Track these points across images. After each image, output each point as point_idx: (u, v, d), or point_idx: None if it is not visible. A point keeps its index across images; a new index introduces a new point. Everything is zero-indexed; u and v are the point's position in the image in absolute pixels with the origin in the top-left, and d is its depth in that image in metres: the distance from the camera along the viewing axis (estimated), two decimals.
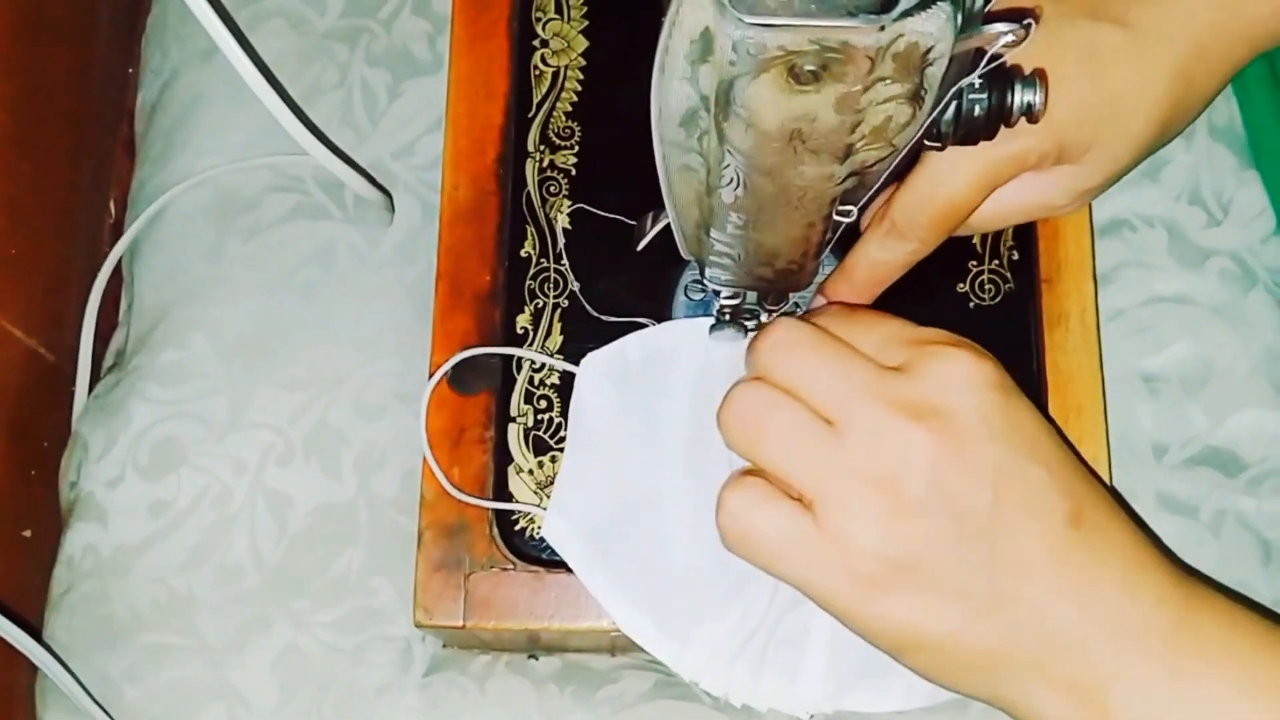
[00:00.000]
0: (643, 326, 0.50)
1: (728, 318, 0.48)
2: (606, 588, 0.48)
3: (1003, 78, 0.40)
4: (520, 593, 0.49)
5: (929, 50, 0.30)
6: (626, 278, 0.51)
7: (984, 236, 0.52)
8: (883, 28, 0.29)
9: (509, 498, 0.50)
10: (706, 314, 0.50)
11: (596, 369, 0.50)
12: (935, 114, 0.37)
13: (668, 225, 0.42)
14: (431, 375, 0.51)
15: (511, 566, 0.50)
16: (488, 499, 0.50)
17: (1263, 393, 0.55)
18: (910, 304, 0.51)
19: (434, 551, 0.50)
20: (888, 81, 0.31)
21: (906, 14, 0.29)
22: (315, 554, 0.55)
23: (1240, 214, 0.57)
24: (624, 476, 0.49)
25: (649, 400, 0.49)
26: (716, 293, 0.47)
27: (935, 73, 0.31)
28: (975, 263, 0.52)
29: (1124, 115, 0.44)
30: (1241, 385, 0.55)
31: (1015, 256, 0.52)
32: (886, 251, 0.45)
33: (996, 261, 0.52)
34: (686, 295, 0.51)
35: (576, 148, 0.53)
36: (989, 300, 0.52)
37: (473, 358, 0.51)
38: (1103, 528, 0.39)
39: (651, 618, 0.48)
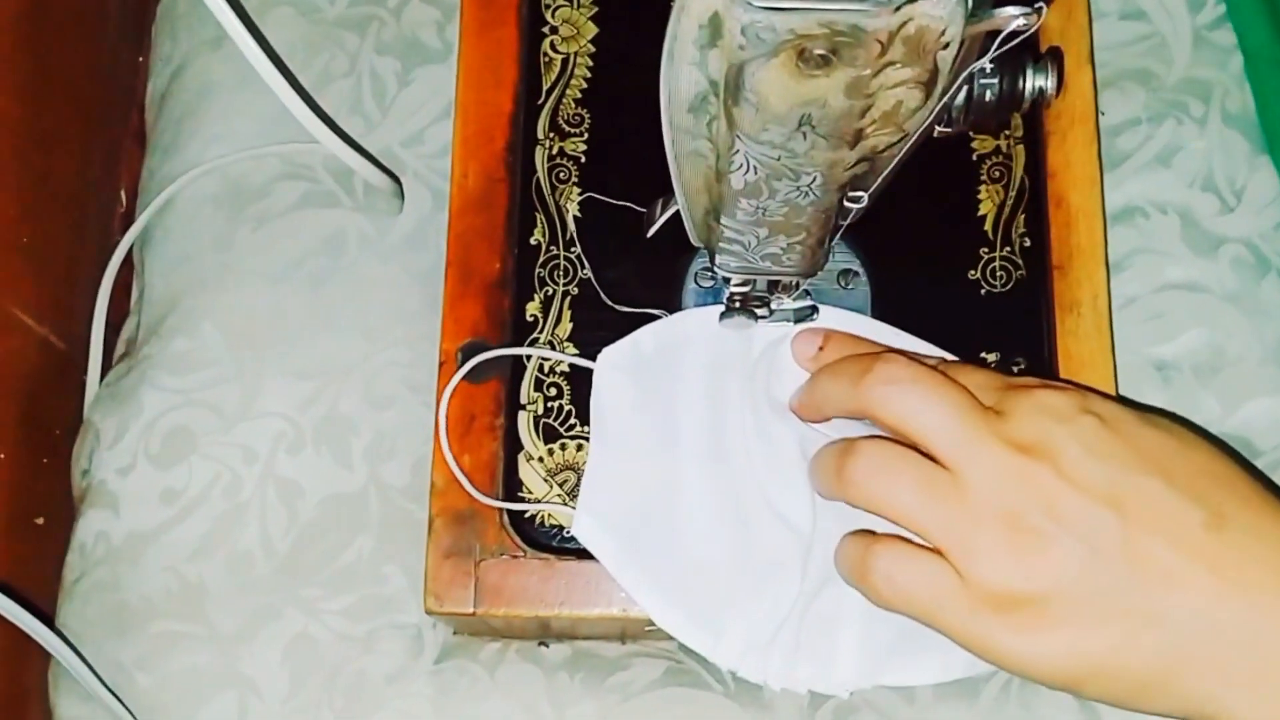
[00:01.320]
0: (655, 318, 0.50)
1: (738, 305, 0.48)
2: (639, 583, 0.48)
3: (1015, 62, 0.39)
4: (530, 580, 0.49)
5: (940, 34, 0.30)
6: (636, 265, 0.51)
7: (995, 223, 0.52)
8: (898, 8, 0.29)
9: (519, 485, 0.50)
10: (717, 301, 0.50)
11: (612, 364, 0.50)
12: (947, 99, 0.37)
13: (677, 212, 0.42)
14: (441, 363, 0.51)
15: (522, 554, 0.50)
16: (498, 486, 0.50)
17: (1276, 381, 0.55)
18: (922, 291, 0.51)
19: (444, 539, 0.50)
20: (898, 66, 0.31)
21: None
22: (326, 542, 0.55)
23: (1253, 201, 0.57)
24: (647, 469, 0.49)
25: (665, 391, 0.49)
26: (726, 280, 0.47)
27: (946, 57, 0.31)
28: (987, 250, 0.52)
29: None
30: (1255, 373, 0.55)
31: (1027, 243, 0.52)
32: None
33: (1008, 248, 0.52)
34: (696, 283, 0.51)
35: (586, 135, 0.53)
36: (1000, 287, 0.52)
37: (481, 343, 0.51)
38: (1250, 527, 0.38)
39: (685, 611, 0.48)
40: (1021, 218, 0.52)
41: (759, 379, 0.48)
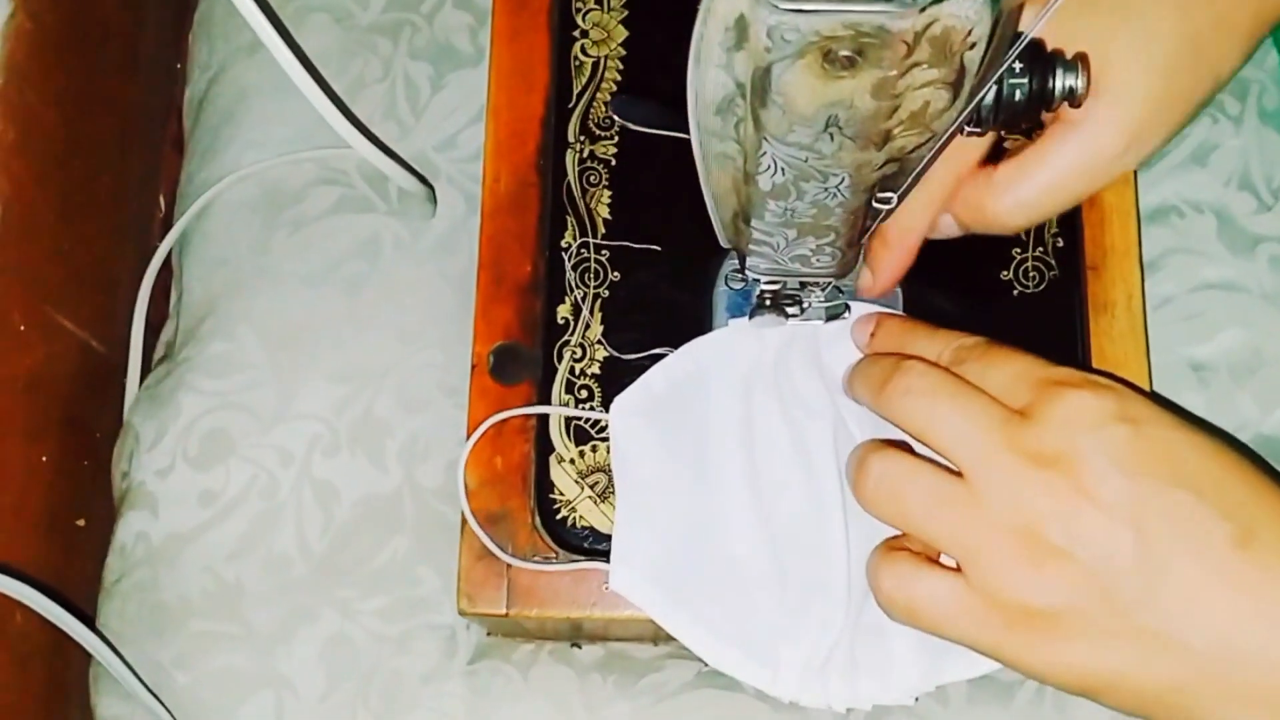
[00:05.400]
0: (660, 357, 0.50)
1: (769, 303, 0.48)
2: (687, 627, 0.48)
3: (1044, 62, 0.39)
4: (563, 581, 0.50)
5: (966, 34, 0.30)
6: (666, 268, 0.51)
7: None
8: (923, 9, 0.29)
9: (550, 486, 0.50)
10: (746, 302, 0.50)
11: (627, 410, 0.50)
12: (976, 99, 0.37)
13: (707, 216, 0.42)
14: (474, 365, 0.51)
15: (554, 555, 0.50)
16: (529, 488, 0.50)
17: None
18: (954, 292, 0.51)
19: (477, 540, 0.50)
20: (924, 66, 0.31)
21: None
22: (361, 543, 0.55)
23: None
24: (679, 510, 0.49)
25: (687, 426, 0.49)
26: (757, 280, 0.47)
27: (974, 57, 0.31)
28: (1019, 250, 0.51)
29: (1149, 34, 0.42)
30: None
31: (1060, 243, 0.52)
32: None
33: (1041, 248, 0.51)
34: (727, 284, 0.51)
35: (616, 138, 0.53)
36: (1033, 288, 0.51)
37: (513, 346, 0.51)
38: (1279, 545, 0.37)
39: (739, 648, 0.47)
40: (1054, 217, 0.52)
41: (784, 384, 0.48)
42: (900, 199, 0.39)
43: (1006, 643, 0.39)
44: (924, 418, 0.40)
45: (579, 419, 0.50)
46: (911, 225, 0.45)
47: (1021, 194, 0.44)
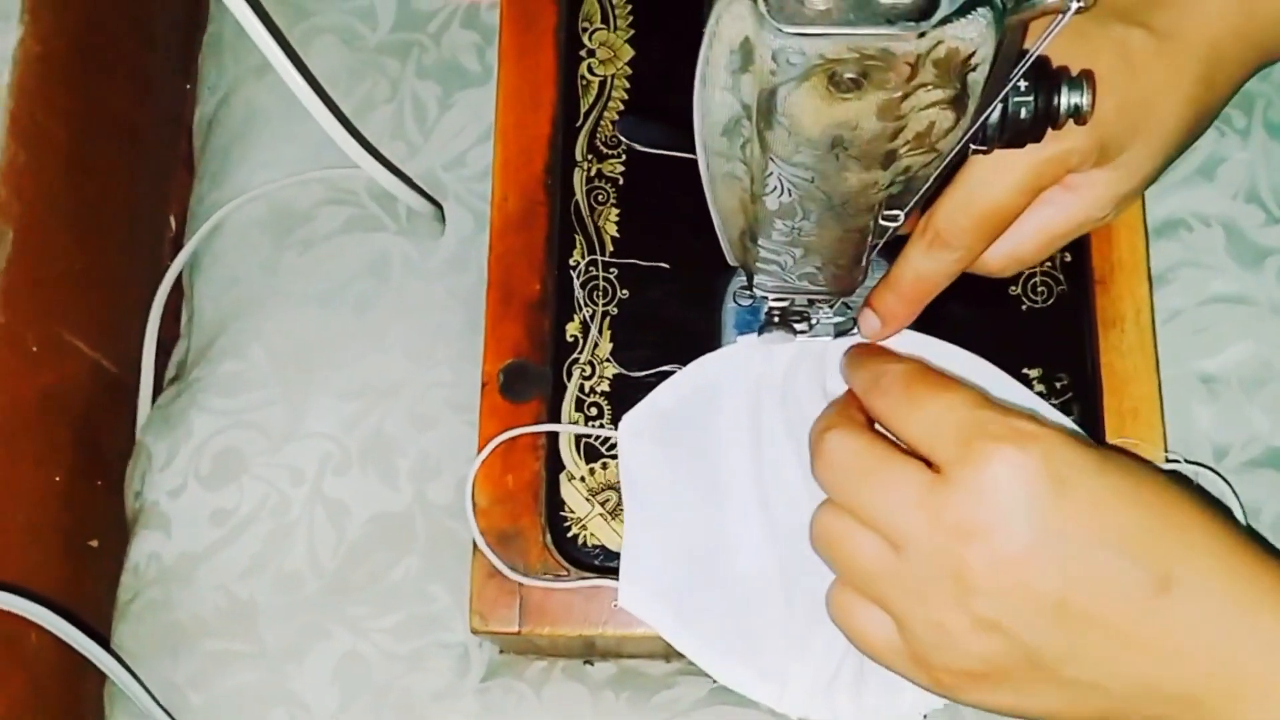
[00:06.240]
0: (668, 374, 0.50)
1: (777, 319, 0.48)
2: (695, 643, 0.48)
3: (1049, 80, 0.39)
4: (575, 599, 0.50)
5: (970, 55, 0.30)
6: (675, 285, 0.52)
7: None
8: (922, 34, 0.29)
9: (561, 504, 0.50)
10: (754, 319, 0.50)
11: (635, 429, 0.50)
12: (981, 118, 0.37)
13: (714, 233, 0.42)
14: (484, 384, 0.51)
15: (565, 574, 0.50)
16: (540, 505, 0.50)
17: None
18: (962, 308, 0.51)
19: (488, 558, 0.50)
20: (929, 88, 0.31)
21: (946, 20, 0.29)
22: (373, 561, 0.56)
23: None
24: (687, 526, 0.49)
25: (696, 443, 0.49)
26: (765, 297, 0.47)
27: (977, 78, 0.31)
28: None
29: (1156, 115, 0.43)
30: None
31: (1068, 258, 0.52)
32: (932, 261, 0.45)
33: (1049, 263, 0.51)
34: (735, 301, 0.51)
35: (624, 156, 0.53)
36: (1042, 303, 0.51)
37: (523, 364, 0.51)
38: (1199, 585, 0.38)
39: (746, 665, 0.48)
40: None
41: (790, 402, 0.48)
42: (907, 216, 0.39)
43: (937, 685, 0.41)
44: (845, 496, 0.41)
45: (589, 436, 0.50)
46: (933, 286, 0.46)
47: (1019, 251, 0.46)
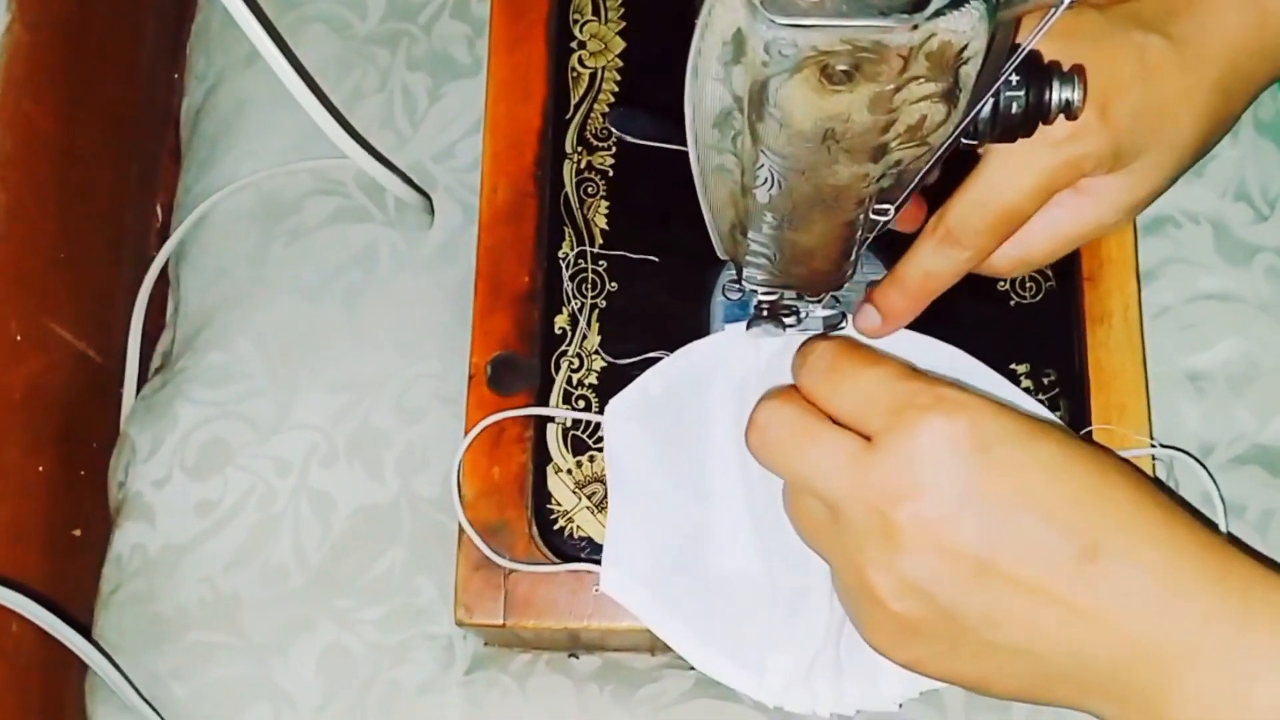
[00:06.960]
0: (655, 360, 0.50)
1: (766, 313, 0.48)
2: (675, 630, 0.48)
3: (1041, 75, 0.39)
4: (560, 592, 0.50)
5: (962, 49, 0.30)
6: (664, 278, 0.51)
7: None
8: (915, 27, 0.29)
9: (548, 497, 0.50)
10: (743, 312, 0.50)
11: (622, 413, 0.50)
12: (973, 112, 0.37)
13: (704, 226, 0.42)
14: (471, 376, 0.51)
15: (551, 565, 0.50)
16: (527, 498, 0.50)
17: None
18: (951, 303, 0.51)
19: (474, 550, 0.50)
20: (921, 81, 0.31)
21: (939, 13, 0.29)
22: (358, 553, 0.55)
23: None
24: (671, 513, 0.49)
25: (682, 429, 0.49)
26: (754, 291, 0.47)
27: (969, 71, 0.31)
28: None
29: (1172, 123, 0.43)
30: None
31: None
32: (941, 259, 0.45)
33: None
34: (724, 295, 0.51)
35: (614, 149, 0.53)
36: (1030, 298, 0.51)
37: (511, 356, 0.51)
38: (1127, 553, 0.38)
39: (725, 653, 0.48)
40: None
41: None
42: (897, 210, 0.39)
43: (873, 645, 0.42)
44: (779, 467, 0.42)
45: (576, 429, 0.50)
46: (940, 284, 0.46)
47: (1028, 253, 0.46)
